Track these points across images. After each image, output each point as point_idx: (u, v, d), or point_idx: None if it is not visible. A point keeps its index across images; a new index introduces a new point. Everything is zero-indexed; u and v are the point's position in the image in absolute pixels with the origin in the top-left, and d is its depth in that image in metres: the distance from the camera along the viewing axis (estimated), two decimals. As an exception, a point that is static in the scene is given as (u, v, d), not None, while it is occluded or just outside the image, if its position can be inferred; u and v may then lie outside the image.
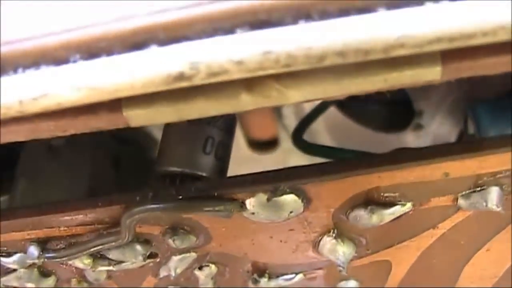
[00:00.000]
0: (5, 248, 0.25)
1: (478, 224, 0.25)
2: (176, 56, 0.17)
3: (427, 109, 0.36)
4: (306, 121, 0.32)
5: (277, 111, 0.43)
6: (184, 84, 0.17)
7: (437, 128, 0.37)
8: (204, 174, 0.26)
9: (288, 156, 0.46)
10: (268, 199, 0.22)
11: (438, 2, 0.17)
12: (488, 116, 0.25)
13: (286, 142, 0.45)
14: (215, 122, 0.27)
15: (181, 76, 0.17)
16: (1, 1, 0.19)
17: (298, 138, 0.31)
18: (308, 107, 0.41)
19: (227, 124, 0.27)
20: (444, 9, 0.17)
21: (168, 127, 0.27)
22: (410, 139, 0.39)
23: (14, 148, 0.29)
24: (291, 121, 0.42)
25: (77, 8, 0.18)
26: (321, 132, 0.42)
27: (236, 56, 0.17)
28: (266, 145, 0.46)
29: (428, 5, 0.17)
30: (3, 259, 0.25)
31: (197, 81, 0.17)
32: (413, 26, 0.16)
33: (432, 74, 0.19)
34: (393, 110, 0.38)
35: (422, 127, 0.37)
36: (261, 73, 0.17)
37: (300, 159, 0.46)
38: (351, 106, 0.39)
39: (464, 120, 0.28)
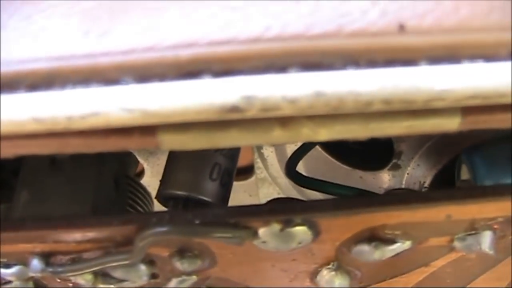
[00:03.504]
0: (5, 260, 0.25)
1: (466, 265, 0.27)
2: (231, 89, 0.18)
3: (406, 150, 0.38)
4: (299, 153, 0.33)
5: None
6: (235, 116, 0.18)
7: (412, 169, 0.39)
8: (209, 200, 0.27)
9: (261, 185, 0.47)
10: (282, 230, 0.23)
11: (474, 62, 0.18)
12: (484, 164, 0.26)
13: (260, 172, 0.46)
14: (222, 150, 0.28)
15: (234, 109, 0.18)
16: (56, 18, 0.20)
17: (291, 170, 0.32)
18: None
19: (232, 152, 0.28)
20: (480, 69, 0.18)
21: (175, 151, 0.28)
22: (386, 178, 0.41)
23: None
24: (270, 151, 0.43)
25: (135, 30, 0.19)
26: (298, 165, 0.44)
27: (290, 95, 0.18)
28: (240, 172, 0.47)
29: (466, 63, 0.18)
30: (1, 270, 0.25)
31: (249, 115, 0.18)
32: (453, 82, 0.18)
33: (451, 124, 0.21)
34: (373, 149, 0.40)
35: (400, 167, 0.39)
36: (309, 112, 0.18)
37: (271, 190, 0.48)
38: (332, 142, 0.41)
39: (458, 166, 0.30)
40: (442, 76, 0.18)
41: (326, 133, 0.20)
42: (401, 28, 0.18)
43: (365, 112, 0.19)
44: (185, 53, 0.18)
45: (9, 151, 0.21)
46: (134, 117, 0.18)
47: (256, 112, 0.18)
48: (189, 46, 0.18)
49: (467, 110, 0.20)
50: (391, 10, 0.19)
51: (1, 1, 0.21)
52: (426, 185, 0.38)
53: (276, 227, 0.23)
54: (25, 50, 0.20)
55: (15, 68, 0.19)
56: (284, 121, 0.20)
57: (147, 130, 0.20)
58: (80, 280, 0.25)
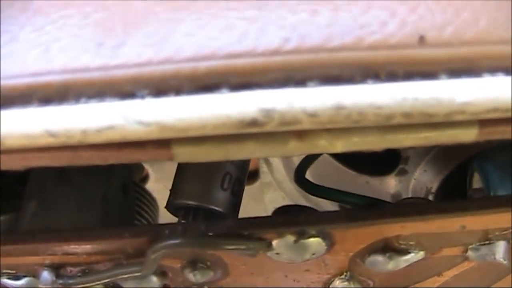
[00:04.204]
0: (14, 271, 0.25)
1: (478, 274, 0.27)
2: (250, 102, 0.17)
3: (414, 155, 0.38)
4: (307, 161, 0.32)
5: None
6: (254, 130, 0.18)
7: (419, 174, 0.38)
8: (220, 210, 0.26)
9: (266, 190, 0.46)
10: (296, 241, 0.23)
11: (495, 75, 0.18)
12: (497, 173, 0.26)
13: (266, 176, 0.45)
14: (233, 158, 0.27)
15: (253, 123, 0.17)
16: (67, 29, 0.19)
17: (300, 177, 0.31)
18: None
19: (243, 161, 0.28)
20: (501, 82, 0.18)
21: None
22: (392, 183, 0.40)
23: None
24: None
25: (150, 42, 0.19)
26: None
27: (310, 109, 0.17)
28: (245, 176, 0.46)
29: (486, 76, 0.18)
30: (10, 281, 0.25)
31: (267, 129, 0.18)
32: (473, 95, 0.18)
33: (469, 135, 0.20)
34: (379, 154, 0.40)
35: (406, 173, 0.39)
36: (330, 126, 0.18)
37: (276, 195, 0.47)
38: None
39: (469, 174, 0.30)
40: (463, 89, 0.18)
41: (343, 145, 0.20)
42: (421, 40, 0.18)
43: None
44: (202, 66, 0.18)
45: (20, 163, 0.20)
46: (150, 131, 0.18)
47: (276, 125, 0.18)
48: (206, 59, 0.18)
49: (484, 122, 0.20)
50: (410, 21, 0.19)
51: (12, 11, 0.20)
52: (433, 190, 0.38)
53: (290, 238, 0.23)
54: (37, 62, 0.19)
55: (27, 81, 0.19)
56: (301, 133, 0.20)
57: (162, 142, 0.20)
58: (91, 292, 0.25)
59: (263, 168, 0.45)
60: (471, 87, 0.18)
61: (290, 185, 0.44)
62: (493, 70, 0.18)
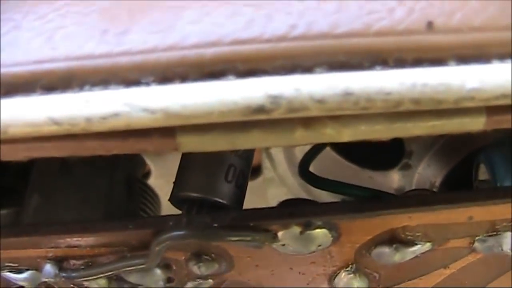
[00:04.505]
0: (17, 265, 0.24)
1: (485, 266, 0.26)
2: (257, 89, 0.17)
3: (417, 150, 0.38)
4: (311, 154, 0.32)
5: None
6: (261, 117, 0.18)
7: (423, 169, 0.38)
8: (225, 202, 0.26)
9: (269, 185, 0.46)
10: (301, 232, 0.23)
11: (504, 61, 0.18)
12: (504, 165, 0.26)
13: (268, 171, 0.45)
14: (237, 151, 0.27)
15: (260, 109, 0.17)
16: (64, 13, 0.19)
17: (305, 171, 0.31)
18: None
19: (247, 153, 0.28)
20: (510, 68, 0.18)
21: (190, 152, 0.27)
22: (396, 178, 0.40)
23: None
24: (278, 150, 0.43)
25: (155, 28, 0.18)
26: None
27: (317, 95, 0.17)
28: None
29: (495, 62, 0.18)
30: (12, 275, 0.24)
31: (275, 115, 0.17)
32: (483, 81, 0.17)
33: (476, 124, 0.20)
34: (383, 149, 0.40)
35: (410, 167, 0.39)
36: (338, 112, 0.18)
37: (279, 191, 0.47)
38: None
39: (475, 166, 0.29)
40: (472, 75, 0.17)
41: (350, 134, 0.20)
42: (429, 26, 0.18)
43: (391, 112, 0.19)
44: (208, 53, 0.18)
45: (23, 153, 0.20)
46: (156, 118, 0.18)
47: (283, 112, 0.17)
48: (212, 45, 0.18)
49: (492, 110, 0.20)
50: (418, 8, 0.18)
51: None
52: (436, 185, 0.38)
53: (296, 230, 0.23)
54: (41, 50, 0.19)
55: (30, 68, 0.18)
56: (307, 122, 0.19)
57: (167, 131, 0.19)
58: (94, 285, 0.25)
59: (266, 164, 0.45)
60: (481, 73, 0.18)
61: (293, 180, 0.44)
62: (502, 56, 0.18)
